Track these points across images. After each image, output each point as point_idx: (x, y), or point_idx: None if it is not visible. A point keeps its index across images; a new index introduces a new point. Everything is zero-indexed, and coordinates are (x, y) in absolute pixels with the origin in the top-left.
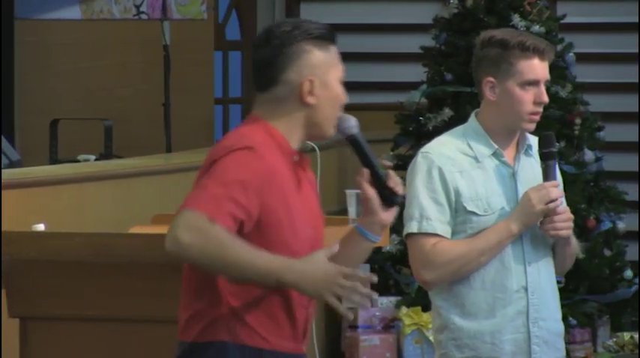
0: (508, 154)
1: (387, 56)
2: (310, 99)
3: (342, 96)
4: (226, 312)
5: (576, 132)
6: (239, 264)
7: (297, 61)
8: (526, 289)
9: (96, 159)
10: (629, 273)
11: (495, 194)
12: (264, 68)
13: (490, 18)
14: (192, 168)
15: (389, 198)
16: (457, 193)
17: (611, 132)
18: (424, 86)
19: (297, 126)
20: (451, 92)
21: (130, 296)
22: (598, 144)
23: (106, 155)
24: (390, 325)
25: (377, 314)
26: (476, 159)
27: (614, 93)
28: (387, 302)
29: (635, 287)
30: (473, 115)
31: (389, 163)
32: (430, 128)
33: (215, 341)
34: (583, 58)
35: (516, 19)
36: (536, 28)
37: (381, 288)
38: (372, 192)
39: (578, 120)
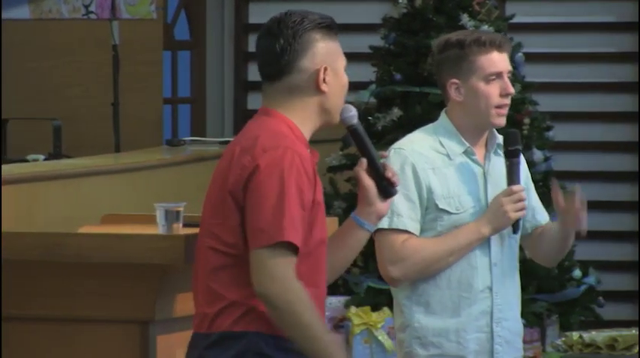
0: (478, 153)
1: None
2: (324, 87)
3: (347, 84)
4: (262, 304)
5: (525, 132)
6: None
7: (311, 49)
8: (491, 289)
9: (45, 159)
10: (577, 273)
11: (466, 192)
12: (278, 58)
13: (439, 18)
14: (142, 168)
15: (386, 188)
16: (429, 190)
17: (561, 132)
18: (373, 86)
19: (310, 115)
20: (400, 92)
21: (80, 295)
22: (547, 143)
23: (55, 155)
24: (339, 325)
25: (326, 314)
26: (448, 156)
27: (563, 93)
28: (335, 301)
29: (583, 287)
30: (443, 113)
31: (386, 154)
32: (379, 128)
33: (249, 331)
34: (532, 57)
35: (465, 18)
36: (485, 27)
37: (330, 288)
38: (370, 182)
39: (527, 120)
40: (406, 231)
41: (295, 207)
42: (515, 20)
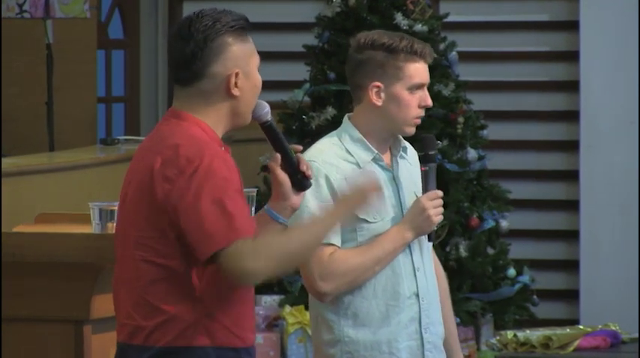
0: (385, 158)
1: (270, 55)
2: (235, 92)
3: (260, 84)
4: (204, 316)
5: (459, 131)
6: (307, 246)
7: (222, 54)
8: (417, 295)
9: None
10: (512, 272)
11: (381, 200)
12: (189, 63)
13: (373, 17)
14: (76, 167)
15: (301, 181)
16: None
17: (495, 131)
18: (307, 85)
19: (222, 118)
20: (334, 91)
21: (14, 294)
22: (481, 142)
23: None
24: (274, 324)
25: (260, 312)
26: (357, 165)
27: (497, 92)
28: (270, 300)
29: (518, 286)
30: (346, 119)
31: (300, 147)
32: (313, 127)
33: (193, 347)
34: (466, 56)
35: (399, 17)
36: (418, 26)
37: (264, 287)
38: (284, 177)
39: (461, 119)
40: (330, 244)
41: (238, 203)
42: (449, 19)
